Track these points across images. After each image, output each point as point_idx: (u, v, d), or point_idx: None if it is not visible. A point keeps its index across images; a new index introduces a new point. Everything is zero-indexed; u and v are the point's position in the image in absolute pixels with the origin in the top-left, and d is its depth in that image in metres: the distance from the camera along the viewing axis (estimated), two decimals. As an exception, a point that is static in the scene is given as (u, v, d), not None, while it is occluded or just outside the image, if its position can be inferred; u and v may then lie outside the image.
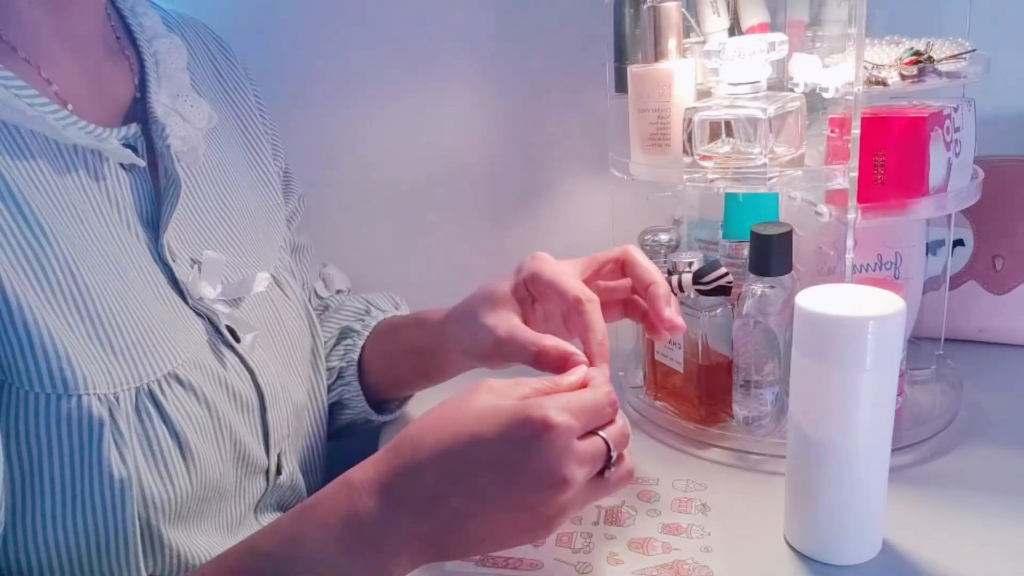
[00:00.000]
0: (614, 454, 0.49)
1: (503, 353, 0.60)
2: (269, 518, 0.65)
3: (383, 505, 0.46)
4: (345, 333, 0.77)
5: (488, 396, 0.48)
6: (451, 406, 0.49)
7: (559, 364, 0.56)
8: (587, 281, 0.62)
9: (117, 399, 0.49)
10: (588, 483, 0.48)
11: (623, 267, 0.64)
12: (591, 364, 0.56)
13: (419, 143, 0.96)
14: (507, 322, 0.60)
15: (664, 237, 0.78)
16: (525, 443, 0.46)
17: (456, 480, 0.46)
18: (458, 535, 0.47)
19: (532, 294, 0.62)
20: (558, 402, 0.47)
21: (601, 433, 0.49)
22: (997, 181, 0.77)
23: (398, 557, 0.47)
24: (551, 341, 0.57)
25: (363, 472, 0.48)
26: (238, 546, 0.49)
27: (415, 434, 0.48)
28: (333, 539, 0.46)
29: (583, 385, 0.52)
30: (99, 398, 0.48)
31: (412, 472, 0.47)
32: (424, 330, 0.71)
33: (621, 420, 0.51)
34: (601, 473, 0.49)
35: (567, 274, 0.60)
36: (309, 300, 0.79)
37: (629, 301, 0.66)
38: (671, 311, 0.61)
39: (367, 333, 0.76)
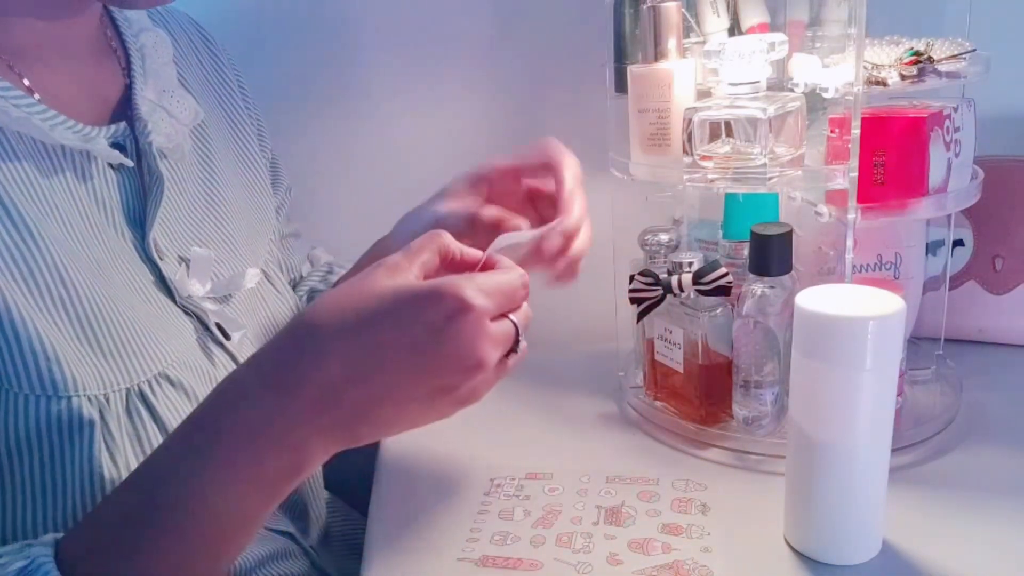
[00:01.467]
0: (522, 340, 0.48)
1: (441, 228, 0.59)
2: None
3: (279, 401, 0.43)
4: (311, 295, 0.78)
5: (389, 276, 0.45)
6: (349, 289, 0.45)
7: (495, 227, 0.57)
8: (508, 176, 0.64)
9: (107, 400, 0.49)
10: (497, 366, 0.47)
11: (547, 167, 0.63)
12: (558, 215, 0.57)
13: (419, 142, 0.96)
14: (452, 203, 0.62)
15: (664, 237, 0.78)
16: (440, 325, 0.43)
17: (362, 368, 0.43)
18: (368, 421, 0.45)
19: (487, 178, 0.64)
20: (474, 283, 0.45)
21: (512, 317, 0.48)
22: (997, 181, 0.77)
23: (306, 449, 0.44)
24: (488, 211, 0.58)
25: (254, 370, 0.45)
26: (132, 477, 0.46)
27: (313, 320, 0.45)
28: (231, 444, 0.43)
29: (488, 265, 0.50)
30: (89, 399, 0.48)
31: (312, 364, 0.43)
32: (375, 252, 0.71)
33: (526, 305, 0.50)
34: (511, 354, 0.48)
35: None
36: (296, 286, 0.79)
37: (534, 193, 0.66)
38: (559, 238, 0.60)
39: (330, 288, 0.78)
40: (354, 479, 0.82)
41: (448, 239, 0.50)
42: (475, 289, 0.44)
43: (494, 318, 0.46)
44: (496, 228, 0.62)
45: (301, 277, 0.82)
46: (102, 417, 0.49)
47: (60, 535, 0.44)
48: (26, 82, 0.54)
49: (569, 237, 0.60)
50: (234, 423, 0.43)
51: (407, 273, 0.46)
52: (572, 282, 0.61)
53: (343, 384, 0.43)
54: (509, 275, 0.48)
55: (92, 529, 0.44)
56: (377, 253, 0.70)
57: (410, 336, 0.43)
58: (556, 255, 0.60)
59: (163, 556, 0.42)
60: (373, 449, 0.77)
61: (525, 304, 0.50)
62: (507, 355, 0.48)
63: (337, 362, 0.43)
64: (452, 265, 0.50)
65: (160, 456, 0.45)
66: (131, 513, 0.43)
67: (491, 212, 0.64)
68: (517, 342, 0.48)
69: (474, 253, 0.51)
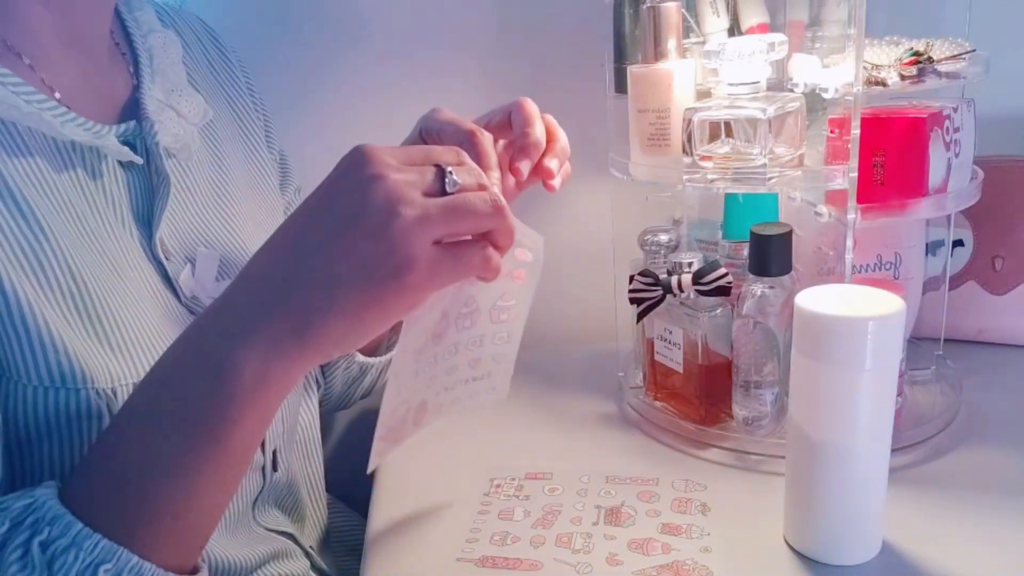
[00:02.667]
0: (449, 171, 0.45)
1: None
2: (266, 514, 0.65)
3: (212, 318, 0.44)
4: None
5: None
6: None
7: None
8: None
9: (115, 394, 0.49)
10: (421, 193, 0.44)
11: (511, 117, 0.61)
12: None
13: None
14: None
15: (664, 237, 0.78)
16: (329, 180, 0.44)
17: (272, 244, 0.45)
18: (296, 303, 0.43)
19: (429, 143, 0.61)
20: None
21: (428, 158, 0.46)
22: (997, 181, 0.77)
23: (245, 364, 0.42)
24: None
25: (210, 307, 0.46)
26: (111, 427, 0.46)
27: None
28: (183, 373, 0.44)
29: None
30: (97, 392, 0.48)
31: (243, 275, 0.45)
32: None
33: (467, 161, 0.48)
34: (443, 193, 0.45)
35: (461, 117, 0.60)
36: None
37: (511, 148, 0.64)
38: (535, 135, 0.58)
39: None
40: (354, 479, 0.82)
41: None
42: (372, 148, 0.44)
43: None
44: None
45: None
46: (110, 411, 0.49)
47: (60, 484, 0.44)
48: (40, 78, 0.54)
49: (542, 140, 0.59)
50: (183, 354, 0.44)
51: None
52: (556, 183, 0.60)
53: (260, 281, 0.44)
54: (419, 146, 0.47)
55: (83, 472, 0.45)
56: None
57: (311, 206, 0.44)
58: (519, 174, 0.59)
59: (153, 495, 0.43)
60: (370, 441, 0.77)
61: (457, 150, 0.48)
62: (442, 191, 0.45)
63: (263, 258, 0.45)
64: None
65: (132, 397, 0.45)
66: (110, 455, 0.44)
67: None
68: (443, 172, 0.45)
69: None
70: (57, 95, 0.54)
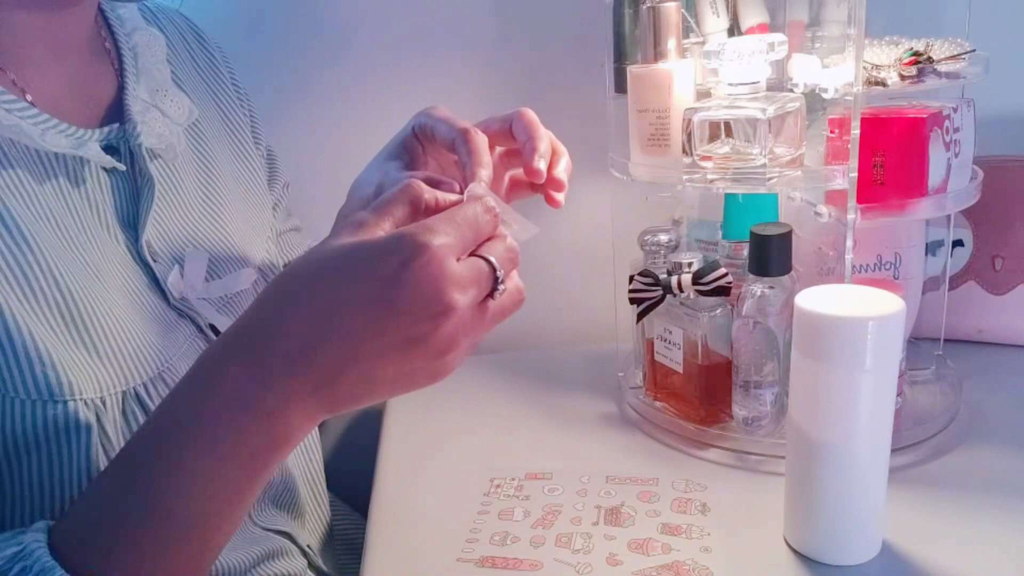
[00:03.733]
0: (500, 273, 0.44)
1: (380, 189, 0.57)
2: (262, 515, 0.65)
3: (251, 371, 0.42)
4: None
5: (352, 233, 0.43)
6: (313, 252, 0.44)
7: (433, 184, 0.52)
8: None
9: (104, 403, 0.49)
10: (476, 309, 0.44)
11: (511, 127, 0.60)
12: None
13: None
14: (389, 165, 0.59)
15: (664, 237, 0.78)
16: (396, 273, 0.41)
17: (325, 327, 0.41)
18: (344, 382, 0.42)
19: (421, 139, 0.60)
20: (428, 223, 0.42)
21: (484, 253, 0.44)
22: (997, 181, 0.77)
23: (286, 417, 0.42)
24: (423, 173, 0.53)
25: (225, 345, 0.43)
26: (116, 461, 0.44)
27: (277, 286, 0.43)
28: (211, 420, 0.42)
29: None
30: (86, 403, 0.48)
31: (277, 329, 0.42)
32: (337, 218, 0.68)
33: (507, 237, 0.46)
34: (490, 297, 0.44)
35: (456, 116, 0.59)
36: None
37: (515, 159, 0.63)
38: (542, 161, 0.57)
39: None
40: (354, 479, 0.82)
41: (420, 187, 0.46)
42: (427, 229, 0.41)
43: (462, 258, 0.43)
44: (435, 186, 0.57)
45: None
46: (99, 420, 0.48)
47: (52, 522, 0.43)
48: (18, 84, 0.53)
49: (548, 155, 0.58)
50: (211, 398, 0.42)
51: (374, 229, 0.44)
52: (561, 198, 0.59)
53: (309, 345, 0.41)
54: (467, 208, 0.45)
55: (81, 515, 0.43)
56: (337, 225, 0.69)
57: (368, 288, 0.41)
58: (538, 175, 0.57)
59: (152, 537, 0.41)
60: (373, 449, 0.77)
61: (508, 241, 0.46)
62: (490, 295, 0.44)
63: (301, 324, 0.41)
64: (428, 212, 0.46)
65: (142, 438, 0.44)
66: (116, 497, 0.42)
67: (428, 176, 0.57)
68: (496, 278, 0.44)
69: (452, 198, 0.47)
70: (30, 99, 0.53)
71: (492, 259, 0.44)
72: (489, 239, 0.46)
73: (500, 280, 0.44)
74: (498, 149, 0.62)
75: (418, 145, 0.61)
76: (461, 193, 0.48)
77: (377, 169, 0.61)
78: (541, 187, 0.58)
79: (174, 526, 0.42)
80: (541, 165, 0.57)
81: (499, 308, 0.45)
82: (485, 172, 0.53)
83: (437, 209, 0.46)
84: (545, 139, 0.58)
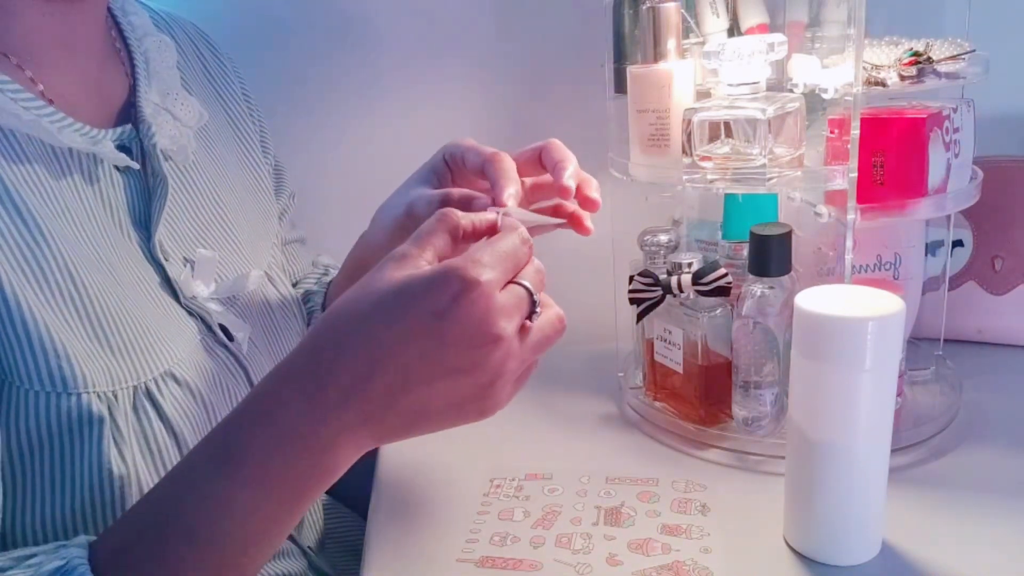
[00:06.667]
0: (537, 298, 0.46)
1: (414, 214, 0.59)
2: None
3: (304, 405, 0.43)
4: (307, 297, 0.78)
5: (398, 267, 0.45)
6: (361, 286, 0.45)
7: (463, 205, 0.54)
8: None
9: (116, 397, 0.49)
10: (519, 336, 0.45)
11: (540, 156, 0.61)
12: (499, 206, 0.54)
13: (419, 143, 0.95)
14: (420, 188, 0.61)
15: (664, 238, 0.78)
16: (447, 308, 0.42)
17: (378, 362, 0.43)
18: (394, 414, 0.44)
19: (451, 166, 0.62)
20: (474, 257, 0.44)
21: (520, 280, 0.46)
22: (997, 181, 0.77)
23: (336, 450, 0.44)
24: (457, 190, 0.57)
25: (280, 378, 0.45)
26: (164, 482, 0.46)
27: (329, 322, 0.45)
28: (262, 450, 0.43)
29: (493, 228, 0.49)
30: (98, 396, 0.48)
31: (331, 364, 0.43)
32: (359, 242, 0.70)
33: (535, 259, 0.48)
34: (528, 320, 0.46)
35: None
36: (300, 294, 0.79)
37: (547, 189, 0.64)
38: (572, 180, 0.58)
39: (324, 290, 0.77)
40: (353, 480, 0.82)
41: (456, 216, 0.48)
42: (475, 264, 0.43)
43: (503, 286, 0.45)
44: (467, 206, 0.58)
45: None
46: (110, 414, 0.49)
47: (93, 537, 0.44)
48: (36, 82, 0.54)
49: (578, 177, 0.59)
50: (263, 429, 0.43)
51: (417, 260, 0.45)
52: (592, 225, 0.60)
53: (362, 379, 0.43)
54: (505, 239, 0.47)
55: (124, 533, 0.44)
56: (360, 250, 0.69)
57: (420, 324, 0.43)
58: (567, 192, 0.58)
59: (192, 563, 0.43)
60: (372, 451, 0.77)
61: (535, 262, 0.48)
62: (529, 319, 0.46)
63: (354, 359, 0.43)
64: (466, 239, 0.49)
65: (192, 461, 0.45)
66: (162, 520, 0.44)
67: (461, 191, 0.60)
68: (534, 303, 0.46)
69: (485, 218, 0.50)
70: (52, 100, 0.54)
71: (527, 284, 0.46)
72: None
73: (537, 303, 0.46)
74: (527, 181, 0.63)
75: (448, 172, 0.62)
76: (493, 205, 0.52)
77: (406, 194, 0.62)
78: (570, 216, 0.59)
79: (216, 553, 0.43)
80: (571, 183, 0.58)
81: (541, 335, 0.47)
82: (513, 188, 0.55)
83: (474, 233, 0.49)
84: (574, 162, 0.60)
